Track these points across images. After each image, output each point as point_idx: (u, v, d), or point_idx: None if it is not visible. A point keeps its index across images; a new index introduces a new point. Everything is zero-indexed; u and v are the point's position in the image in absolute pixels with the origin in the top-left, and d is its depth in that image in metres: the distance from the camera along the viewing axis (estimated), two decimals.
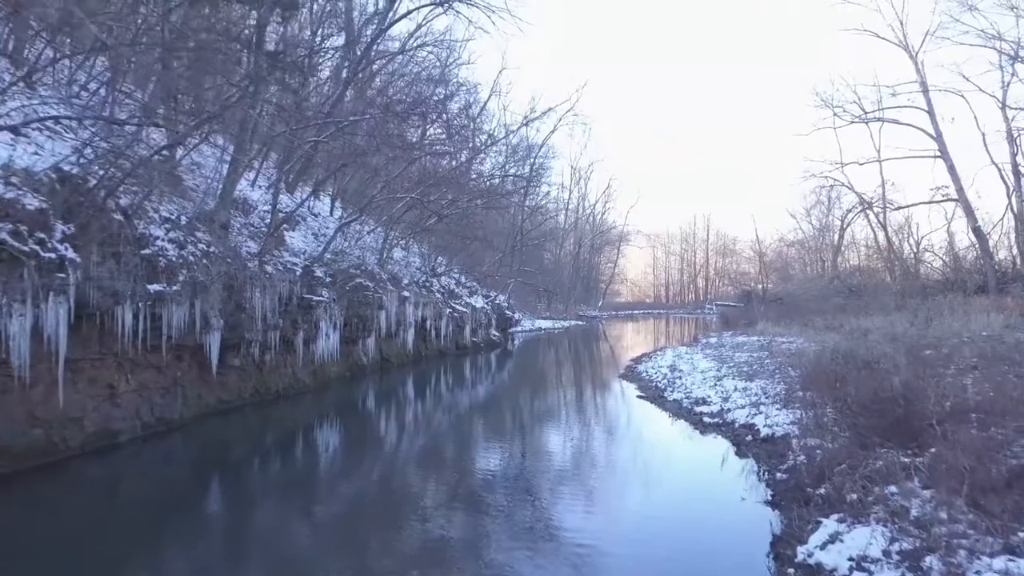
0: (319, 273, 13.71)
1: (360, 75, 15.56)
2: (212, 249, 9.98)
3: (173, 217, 9.36)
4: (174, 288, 8.68)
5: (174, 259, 8.78)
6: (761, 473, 7.16)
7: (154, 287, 8.36)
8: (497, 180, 27.15)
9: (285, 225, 15.48)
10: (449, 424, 11.98)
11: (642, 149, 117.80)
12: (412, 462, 9.19)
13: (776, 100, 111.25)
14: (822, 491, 5.63)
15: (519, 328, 34.54)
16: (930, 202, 34.82)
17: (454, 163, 21.53)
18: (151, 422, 9.35)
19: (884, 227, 39.78)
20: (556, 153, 59.87)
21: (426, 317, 20.23)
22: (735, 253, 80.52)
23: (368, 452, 9.90)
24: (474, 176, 23.50)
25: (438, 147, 14.47)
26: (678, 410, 11.03)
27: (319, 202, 20.91)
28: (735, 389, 11.71)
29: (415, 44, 20.47)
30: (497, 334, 27.31)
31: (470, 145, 19.82)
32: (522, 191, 32.39)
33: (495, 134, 25.60)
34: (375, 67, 20.03)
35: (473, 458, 9.04)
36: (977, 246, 32.22)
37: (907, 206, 37.07)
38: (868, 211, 39.50)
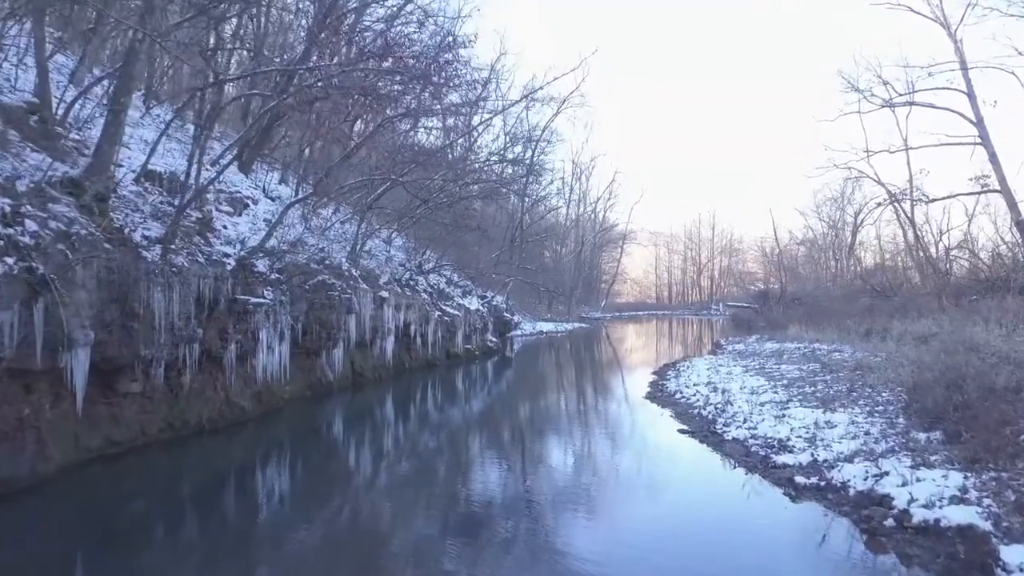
0: (262, 268, 10.58)
1: (330, 25, 12.39)
2: (76, 229, 6.84)
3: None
4: None
5: None
6: None
7: None
8: (496, 163, 23.95)
9: (227, 208, 12.35)
10: (431, 468, 8.84)
11: (645, 145, 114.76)
12: (380, 527, 6.08)
13: (785, 94, 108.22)
14: None
15: (518, 331, 31.38)
16: (969, 193, 31.65)
17: (441, 130, 18.37)
18: None
19: (912, 222, 36.81)
20: (560, 137, 56.59)
21: (410, 322, 17.08)
22: (740, 252, 77.83)
23: (322, 506, 6.84)
24: (469, 156, 20.35)
25: (413, 98, 11.15)
26: (744, 457, 7.90)
27: (285, 187, 17.77)
28: (816, 424, 8.61)
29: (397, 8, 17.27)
30: (494, 339, 24.15)
31: (463, 114, 16.57)
32: (522, 180, 29.21)
33: (492, 95, 22.18)
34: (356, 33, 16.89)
35: (466, 530, 5.93)
36: (1021, 241, 29.35)
37: (942, 198, 33.91)
38: (896, 204, 36.47)
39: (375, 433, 11.18)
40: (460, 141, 19.96)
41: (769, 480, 7.02)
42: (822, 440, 7.80)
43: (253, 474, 8.41)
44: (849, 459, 6.90)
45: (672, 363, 19.31)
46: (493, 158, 24.80)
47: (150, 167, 10.91)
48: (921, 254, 35.49)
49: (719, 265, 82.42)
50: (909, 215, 36.48)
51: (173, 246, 8.40)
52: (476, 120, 21.52)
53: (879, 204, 38.52)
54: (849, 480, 6.35)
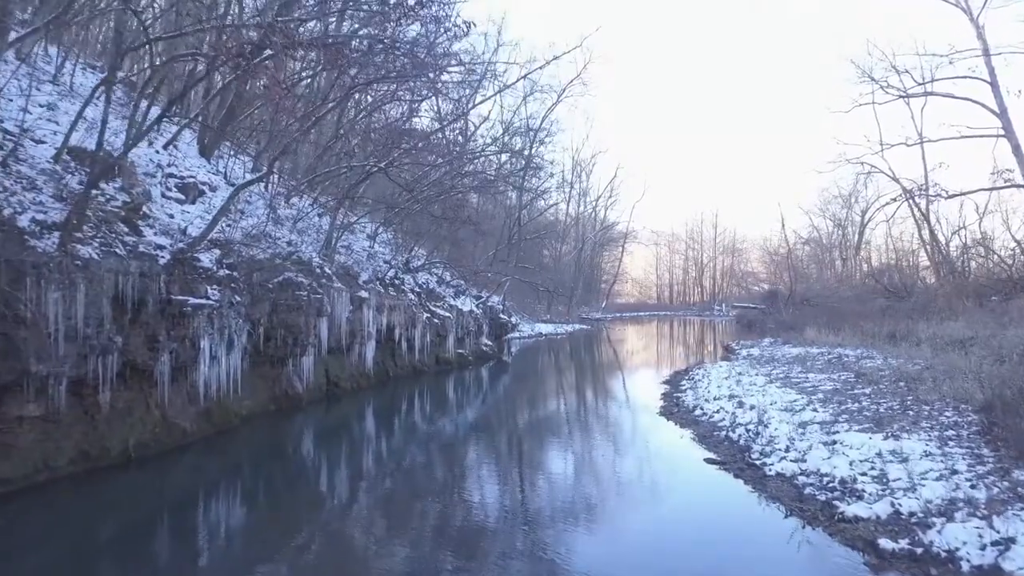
0: (207, 262, 8.89)
1: None
2: None
3: None
4: None
5: None
6: None
7: None
8: (493, 153, 22.25)
9: (177, 194, 10.65)
10: (408, 511, 7.15)
11: (647, 143, 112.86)
12: None
13: (791, 92, 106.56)
14: None
15: (516, 334, 29.68)
16: (991, 188, 30.02)
17: (435, 115, 16.67)
18: None
19: (927, 219, 35.14)
20: (561, 127, 54.62)
21: (394, 325, 15.41)
22: (743, 252, 76.33)
23: (279, 551, 5.21)
24: (465, 143, 18.65)
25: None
26: (797, 502, 6.21)
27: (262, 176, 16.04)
28: (880, 455, 6.91)
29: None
30: (489, 343, 22.44)
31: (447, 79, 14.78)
32: (520, 173, 27.48)
33: (487, 84, 20.41)
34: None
35: None
36: None
37: (961, 194, 32.15)
38: (911, 201, 34.77)
39: (352, 452, 9.61)
40: (454, 125, 18.24)
41: (838, 539, 5.32)
42: (897, 480, 6.12)
43: (190, 511, 6.74)
44: (945, 512, 5.22)
45: (684, 370, 17.61)
46: (491, 148, 23.08)
47: (81, 144, 9.25)
48: (938, 253, 33.81)
49: (721, 265, 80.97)
50: (924, 212, 34.78)
51: (79, 234, 6.71)
52: (473, 97, 19.82)
53: (893, 199, 36.74)
54: (957, 548, 4.67)
